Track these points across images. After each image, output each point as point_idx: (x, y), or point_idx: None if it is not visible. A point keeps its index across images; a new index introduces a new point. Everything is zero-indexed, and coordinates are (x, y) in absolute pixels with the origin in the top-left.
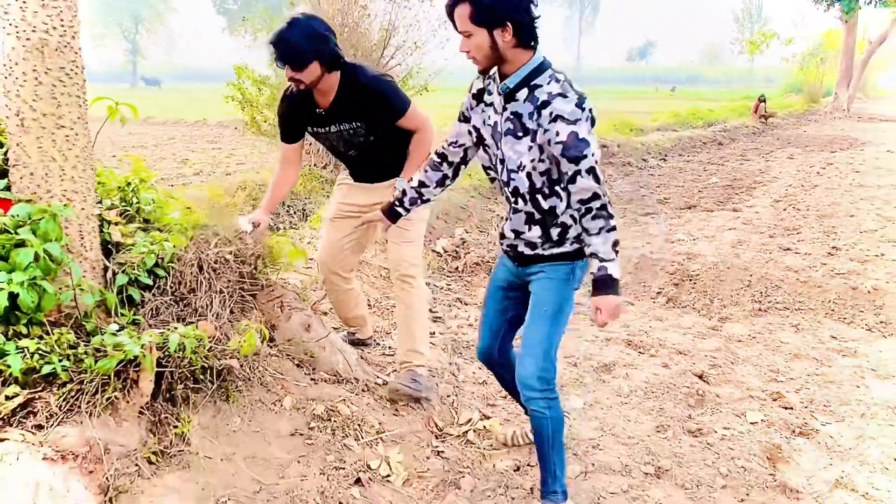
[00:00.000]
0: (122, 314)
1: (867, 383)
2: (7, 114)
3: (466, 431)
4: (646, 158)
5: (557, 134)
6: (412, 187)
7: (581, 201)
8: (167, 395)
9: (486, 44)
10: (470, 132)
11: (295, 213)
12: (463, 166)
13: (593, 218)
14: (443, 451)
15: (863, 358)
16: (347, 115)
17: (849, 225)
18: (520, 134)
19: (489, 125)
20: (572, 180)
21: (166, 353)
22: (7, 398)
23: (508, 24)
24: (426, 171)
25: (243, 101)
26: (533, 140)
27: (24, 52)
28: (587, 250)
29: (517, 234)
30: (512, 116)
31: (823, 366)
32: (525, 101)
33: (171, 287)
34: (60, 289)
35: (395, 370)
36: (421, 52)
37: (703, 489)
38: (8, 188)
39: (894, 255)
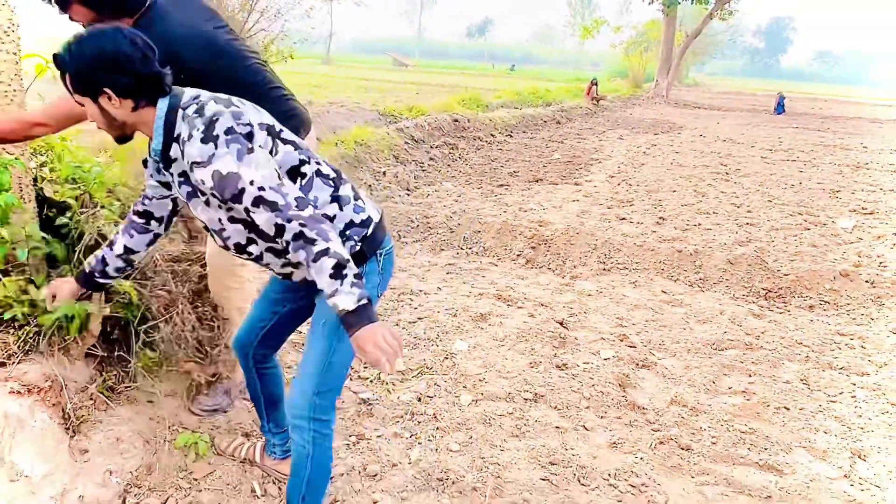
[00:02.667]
0: (65, 267)
1: (691, 327)
2: None
3: (379, 374)
4: (493, 134)
5: (203, 182)
6: (118, 255)
7: (276, 237)
8: (109, 337)
9: (97, 113)
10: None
11: None
12: (175, 216)
13: (294, 250)
14: (351, 388)
15: (687, 307)
16: None
17: (672, 198)
18: (199, 193)
19: (179, 195)
20: (251, 220)
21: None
22: None
23: (107, 90)
24: (131, 236)
25: None
26: (204, 194)
27: None
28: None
29: (289, 265)
30: (182, 179)
31: (657, 314)
32: (182, 156)
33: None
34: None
35: None
36: (283, 20)
37: (571, 409)
38: None
39: (708, 225)
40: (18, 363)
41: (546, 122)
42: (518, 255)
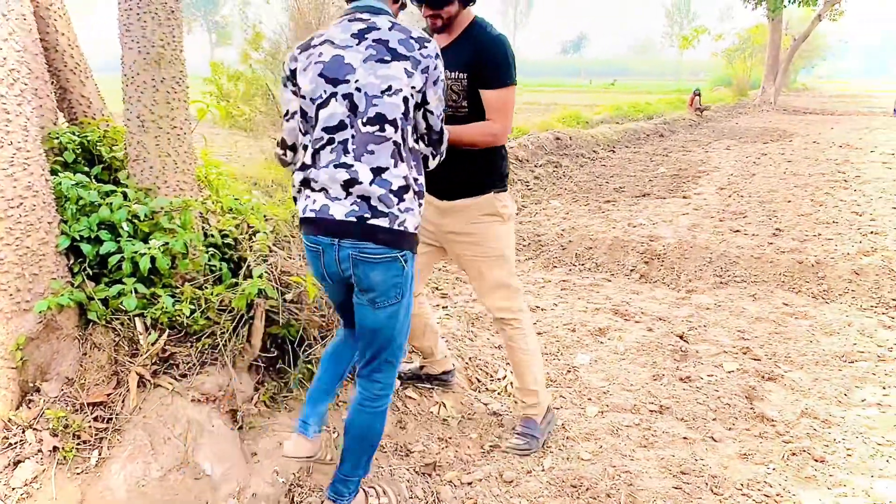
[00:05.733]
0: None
1: (818, 339)
2: (128, 116)
3: (505, 386)
4: (596, 150)
5: None
6: None
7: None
8: (268, 352)
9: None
10: None
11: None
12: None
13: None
14: (481, 400)
15: (812, 319)
16: (457, 62)
17: (788, 209)
18: None
19: None
20: None
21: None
22: (151, 344)
23: None
24: None
25: (219, 96)
26: None
27: (143, 64)
28: None
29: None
30: None
31: (781, 326)
32: None
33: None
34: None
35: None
36: None
37: (698, 421)
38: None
39: (829, 235)
40: (197, 374)
41: (649, 135)
42: (631, 271)
